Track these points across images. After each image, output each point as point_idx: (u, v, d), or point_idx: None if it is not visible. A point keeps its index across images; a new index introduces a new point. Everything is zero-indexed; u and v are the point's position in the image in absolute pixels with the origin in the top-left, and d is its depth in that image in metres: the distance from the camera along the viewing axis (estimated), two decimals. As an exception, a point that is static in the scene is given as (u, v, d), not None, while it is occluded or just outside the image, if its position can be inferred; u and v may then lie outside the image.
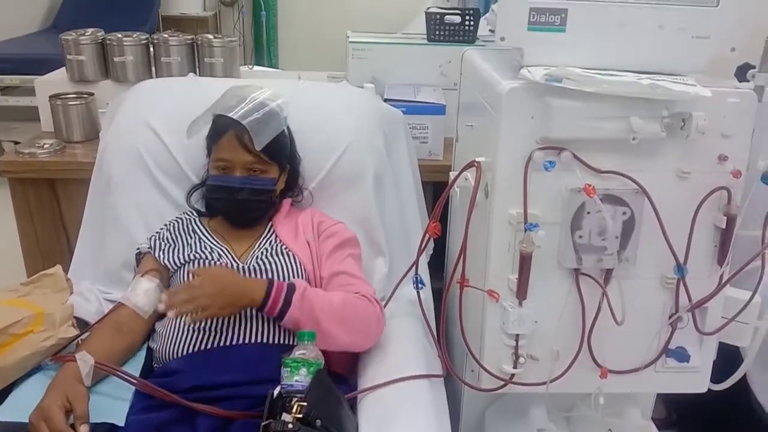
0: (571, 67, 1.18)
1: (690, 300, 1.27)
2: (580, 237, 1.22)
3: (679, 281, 1.26)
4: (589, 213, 1.20)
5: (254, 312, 1.32)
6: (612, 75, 1.16)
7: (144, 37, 2.18)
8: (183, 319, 1.32)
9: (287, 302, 1.28)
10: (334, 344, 1.33)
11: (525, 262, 1.21)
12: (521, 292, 1.23)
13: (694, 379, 1.37)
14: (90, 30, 2.19)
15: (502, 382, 1.30)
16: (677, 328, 1.30)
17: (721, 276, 1.27)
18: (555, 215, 1.21)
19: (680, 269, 1.24)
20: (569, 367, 1.28)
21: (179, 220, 1.53)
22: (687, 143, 1.19)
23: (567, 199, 1.20)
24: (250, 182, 1.43)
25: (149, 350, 1.39)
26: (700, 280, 1.28)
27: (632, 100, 1.14)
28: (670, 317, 1.30)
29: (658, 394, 1.61)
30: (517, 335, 1.26)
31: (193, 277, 1.31)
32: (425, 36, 2.18)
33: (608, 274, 1.25)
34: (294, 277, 1.40)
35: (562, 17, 1.18)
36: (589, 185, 1.16)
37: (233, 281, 1.31)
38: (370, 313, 1.38)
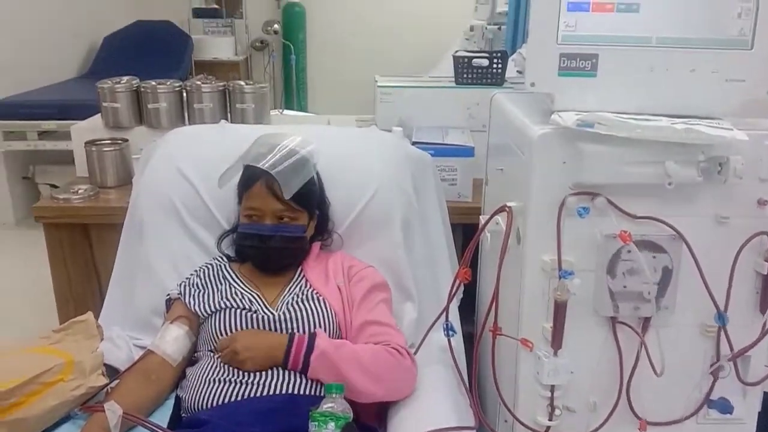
0: (602, 112, 1.17)
1: (731, 349, 1.23)
2: (617, 284, 1.19)
3: (719, 329, 1.22)
4: (625, 260, 1.17)
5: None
6: (645, 119, 1.15)
7: (177, 84, 2.23)
8: (212, 369, 1.33)
9: (305, 364, 1.30)
10: (365, 398, 1.32)
11: (560, 310, 1.18)
12: (556, 341, 1.20)
13: (738, 431, 1.31)
14: (125, 78, 2.25)
15: (537, 435, 1.26)
16: (719, 378, 1.26)
17: (764, 323, 1.23)
18: (590, 262, 1.19)
19: (721, 317, 1.20)
20: (607, 419, 1.23)
21: (209, 266, 1.53)
22: (725, 188, 1.16)
23: (602, 246, 1.17)
24: (280, 230, 1.44)
25: (177, 399, 1.38)
26: (741, 327, 1.23)
27: (667, 144, 1.11)
28: (711, 366, 1.25)
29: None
30: (553, 386, 1.22)
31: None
32: (453, 79, 2.19)
33: (646, 322, 1.22)
34: (325, 322, 1.39)
35: (593, 62, 1.17)
36: (625, 231, 1.14)
37: (258, 348, 1.33)
38: (401, 366, 1.37)
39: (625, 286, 1.19)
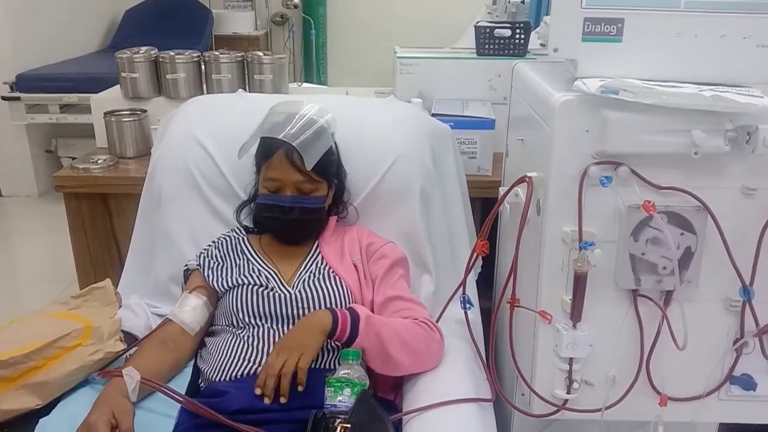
0: (628, 79, 1.13)
1: (757, 324, 1.20)
2: (639, 256, 1.16)
3: (744, 304, 1.19)
4: (648, 231, 1.14)
5: None
6: (672, 86, 1.11)
7: (196, 54, 2.22)
8: (233, 344, 1.34)
9: (354, 330, 1.28)
10: (400, 370, 1.33)
11: (580, 282, 1.16)
12: (576, 314, 1.18)
13: (761, 408, 1.29)
14: (144, 48, 2.24)
15: (555, 408, 1.25)
16: (742, 354, 1.23)
17: (792, 299, 1.20)
18: (612, 233, 1.16)
19: (746, 291, 1.17)
20: (626, 394, 1.22)
21: (227, 238, 1.53)
22: (753, 158, 1.12)
23: (625, 216, 1.15)
24: (300, 201, 1.42)
25: (196, 369, 1.39)
26: (767, 303, 1.20)
27: (694, 112, 1.08)
28: (734, 342, 1.23)
29: (722, 424, 1.52)
30: (571, 359, 1.21)
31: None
32: (474, 50, 2.15)
33: (668, 295, 1.19)
34: (340, 302, 1.38)
35: (618, 27, 1.14)
36: (649, 202, 1.11)
37: (299, 331, 1.29)
38: (432, 339, 1.37)
39: (647, 258, 1.16)
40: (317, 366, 1.30)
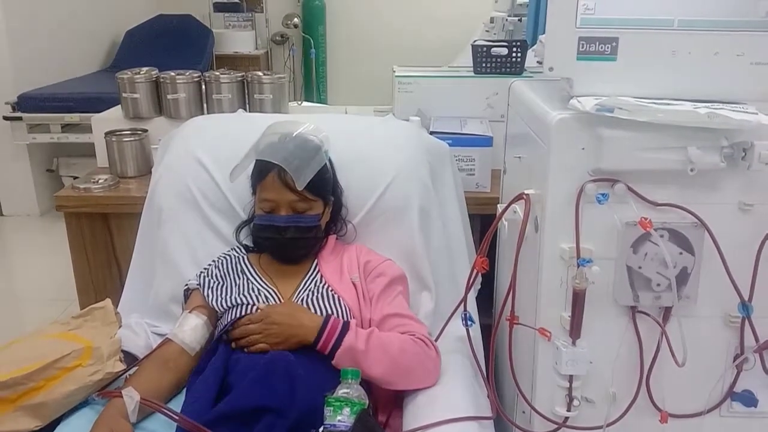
0: (623, 97, 1.14)
1: (756, 340, 1.20)
2: (637, 273, 1.16)
3: (744, 320, 1.19)
4: (645, 247, 1.15)
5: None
6: (667, 104, 1.12)
7: (196, 75, 2.24)
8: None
9: (333, 352, 1.30)
10: (390, 387, 1.34)
11: (578, 299, 1.16)
12: (575, 331, 1.18)
13: (763, 425, 1.28)
14: (144, 69, 2.26)
15: (555, 426, 1.24)
16: (743, 370, 1.23)
17: (791, 314, 1.20)
18: (609, 250, 1.17)
19: (745, 307, 1.17)
20: (627, 411, 1.21)
21: (228, 257, 1.53)
22: (749, 174, 1.13)
23: (622, 233, 1.15)
24: (295, 220, 1.43)
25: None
26: (766, 318, 1.20)
27: (689, 129, 1.09)
28: (735, 358, 1.23)
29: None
30: (571, 376, 1.21)
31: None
32: (471, 68, 2.17)
33: (667, 312, 1.19)
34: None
35: (613, 46, 1.15)
36: (645, 218, 1.11)
37: (288, 323, 1.33)
38: (428, 357, 1.37)
39: (645, 275, 1.16)
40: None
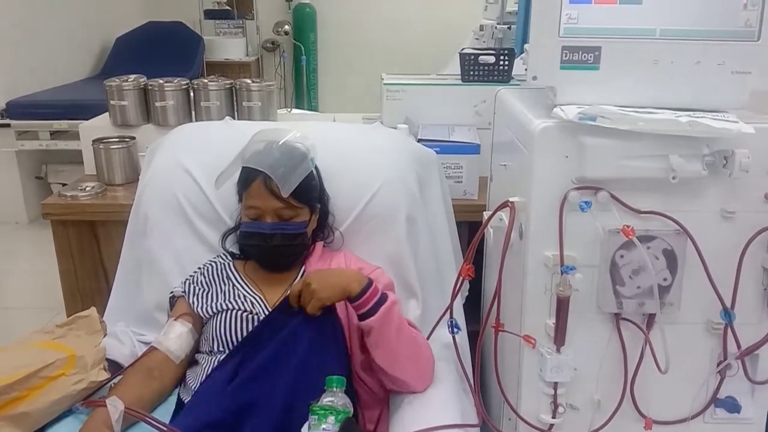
0: (605, 105, 1.15)
1: (739, 346, 1.21)
2: (620, 280, 1.17)
3: (726, 327, 1.20)
4: (628, 255, 1.16)
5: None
6: (648, 113, 1.13)
7: (184, 82, 2.23)
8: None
9: (373, 309, 1.30)
10: (399, 371, 1.34)
11: (562, 306, 1.17)
12: (559, 338, 1.19)
13: (747, 431, 1.29)
14: (133, 76, 2.25)
15: (541, 432, 1.25)
16: (726, 377, 1.24)
17: (773, 321, 1.21)
18: (593, 257, 1.17)
19: (727, 314, 1.18)
20: (611, 418, 1.22)
21: (213, 264, 1.53)
22: (730, 182, 1.14)
23: (605, 241, 1.16)
24: (280, 228, 1.43)
25: (180, 400, 1.38)
26: (749, 325, 1.22)
27: (671, 137, 1.10)
28: (718, 365, 1.24)
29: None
30: (556, 383, 1.21)
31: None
32: (459, 76, 2.18)
33: (651, 319, 1.20)
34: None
35: (596, 55, 1.16)
36: (628, 226, 1.12)
37: (331, 274, 1.37)
38: (431, 356, 1.40)
39: (628, 283, 1.17)
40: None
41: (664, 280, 1.18)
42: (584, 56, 1.16)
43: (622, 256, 1.16)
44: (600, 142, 1.11)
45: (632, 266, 1.16)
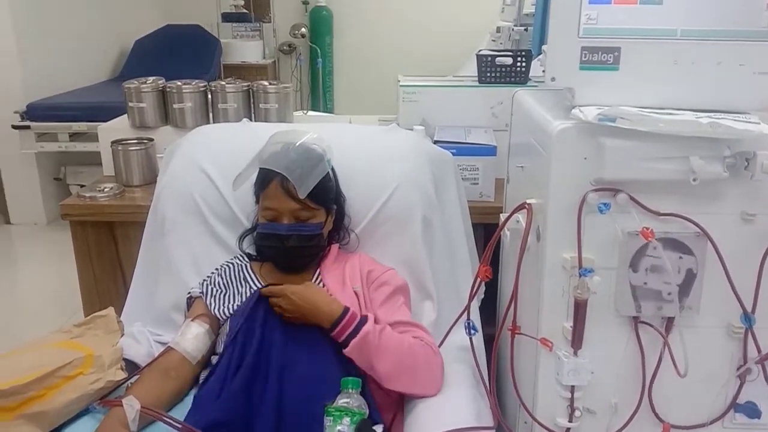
0: (625, 107, 1.14)
1: (759, 351, 1.19)
2: (639, 283, 1.16)
3: (747, 330, 1.18)
4: (647, 258, 1.14)
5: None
6: (669, 113, 1.12)
7: (202, 84, 2.25)
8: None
9: (353, 336, 1.31)
10: (397, 388, 1.35)
11: (580, 309, 1.15)
12: (576, 341, 1.17)
13: (768, 437, 1.27)
14: (151, 78, 2.28)
15: (557, 436, 1.23)
16: (746, 381, 1.22)
17: (795, 325, 1.19)
18: (611, 260, 1.16)
19: (747, 318, 1.16)
20: (629, 422, 1.20)
21: (230, 265, 1.53)
22: (752, 184, 1.13)
23: (624, 243, 1.15)
24: (297, 229, 1.43)
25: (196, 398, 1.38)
26: (770, 329, 1.19)
27: (692, 139, 1.08)
28: (738, 369, 1.21)
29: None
30: (573, 387, 1.20)
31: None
32: (476, 78, 2.18)
33: (670, 322, 1.18)
34: None
35: (615, 56, 1.15)
36: (647, 228, 1.11)
37: (312, 305, 1.35)
38: (435, 362, 1.38)
39: (647, 285, 1.16)
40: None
41: (684, 283, 1.16)
42: (604, 57, 1.15)
43: (640, 259, 1.15)
44: (619, 143, 1.10)
45: (651, 269, 1.15)
